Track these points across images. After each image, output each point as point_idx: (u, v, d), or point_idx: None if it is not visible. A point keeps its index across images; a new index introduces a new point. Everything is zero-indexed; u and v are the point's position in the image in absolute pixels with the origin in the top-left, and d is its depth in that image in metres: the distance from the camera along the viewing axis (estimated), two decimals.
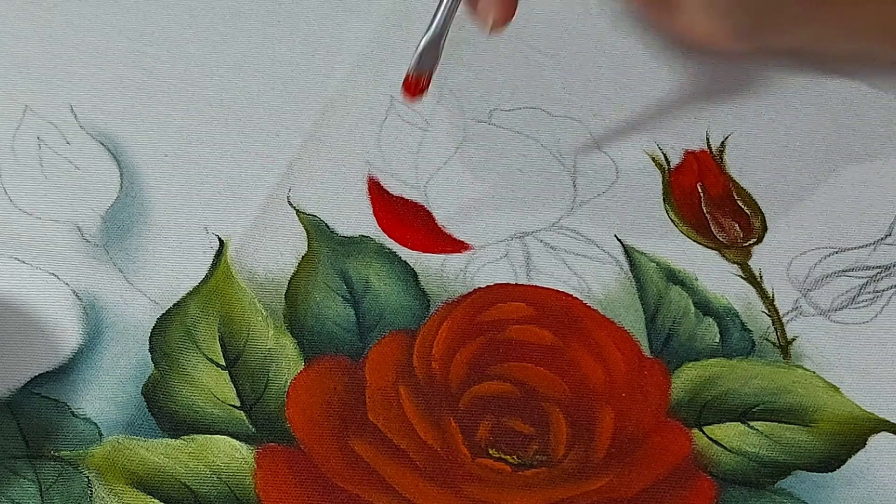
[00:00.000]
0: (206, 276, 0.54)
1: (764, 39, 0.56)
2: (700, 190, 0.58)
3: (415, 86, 0.54)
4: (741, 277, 0.56)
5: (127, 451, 0.50)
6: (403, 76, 0.54)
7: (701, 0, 0.53)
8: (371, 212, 0.56)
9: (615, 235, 0.56)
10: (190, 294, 0.54)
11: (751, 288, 0.55)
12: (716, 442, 0.52)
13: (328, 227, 0.56)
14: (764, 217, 0.57)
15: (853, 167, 0.59)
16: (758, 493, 0.51)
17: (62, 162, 0.56)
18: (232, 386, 0.52)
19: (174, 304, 0.53)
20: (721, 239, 0.56)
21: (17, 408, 0.51)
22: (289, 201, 0.56)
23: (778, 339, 0.54)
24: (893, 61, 0.59)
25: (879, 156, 0.59)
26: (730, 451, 0.52)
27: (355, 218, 0.56)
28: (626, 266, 0.56)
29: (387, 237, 0.56)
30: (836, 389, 0.53)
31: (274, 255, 0.55)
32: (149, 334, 0.52)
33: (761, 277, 0.56)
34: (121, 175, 0.56)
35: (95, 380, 0.51)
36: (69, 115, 0.58)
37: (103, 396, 0.51)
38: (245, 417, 0.51)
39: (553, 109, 0.59)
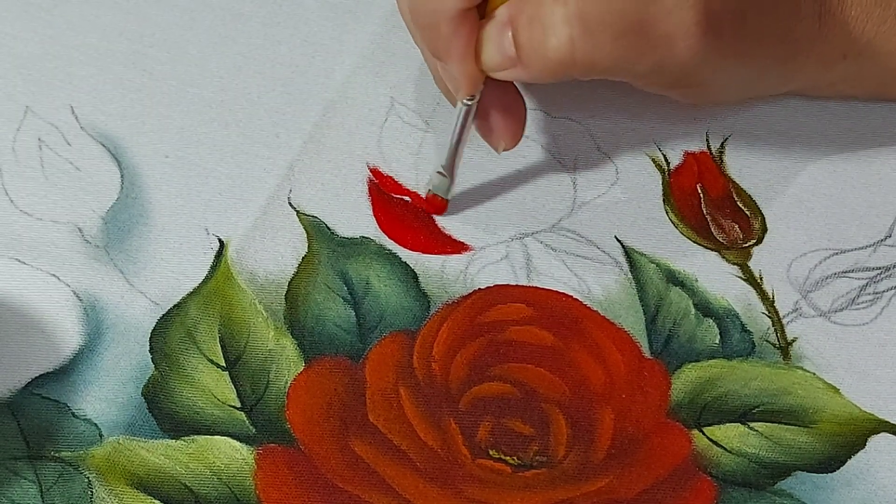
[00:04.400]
0: (207, 277, 0.54)
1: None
2: (700, 191, 0.58)
3: (431, 204, 0.56)
4: (741, 279, 0.56)
5: (127, 451, 0.50)
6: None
7: (688, 93, 0.56)
8: (371, 213, 0.56)
9: (615, 236, 0.56)
10: (190, 295, 0.54)
11: (751, 289, 0.55)
12: (716, 443, 0.52)
13: (328, 228, 0.56)
14: (764, 218, 0.57)
15: (853, 168, 0.59)
16: (758, 494, 0.51)
17: (63, 163, 0.56)
18: (232, 387, 0.52)
19: (174, 305, 0.53)
20: (721, 240, 0.56)
21: (17, 408, 0.51)
22: (289, 202, 0.56)
23: (778, 340, 0.54)
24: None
25: (879, 157, 0.59)
26: (730, 452, 0.52)
27: (356, 219, 0.56)
28: (626, 267, 0.56)
29: (387, 238, 0.56)
30: (836, 390, 0.53)
31: (274, 256, 0.55)
32: (149, 335, 0.53)
33: (761, 279, 0.56)
34: (121, 176, 0.56)
35: (96, 381, 0.51)
36: (70, 116, 0.58)
37: (104, 397, 0.51)
38: (245, 418, 0.51)
39: (553, 111, 0.59)
